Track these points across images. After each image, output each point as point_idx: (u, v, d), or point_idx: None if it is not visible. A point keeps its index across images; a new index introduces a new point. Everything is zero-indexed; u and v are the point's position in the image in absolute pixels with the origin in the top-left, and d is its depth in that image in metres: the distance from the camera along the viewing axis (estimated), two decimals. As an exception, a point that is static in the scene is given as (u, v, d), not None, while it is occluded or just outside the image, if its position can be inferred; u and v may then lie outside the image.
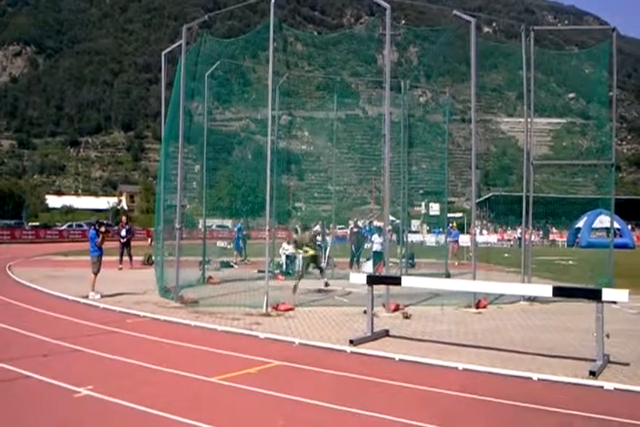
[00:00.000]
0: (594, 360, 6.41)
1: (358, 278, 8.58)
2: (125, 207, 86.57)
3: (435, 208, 23.04)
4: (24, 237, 42.39)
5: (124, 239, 19.23)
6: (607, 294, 6.39)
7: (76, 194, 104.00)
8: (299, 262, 18.18)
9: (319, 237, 15.70)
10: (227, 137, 22.98)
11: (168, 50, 14.17)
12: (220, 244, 22.50)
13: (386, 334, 8.24)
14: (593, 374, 6.03)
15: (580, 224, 42.23)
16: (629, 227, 47.60)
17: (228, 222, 37.13)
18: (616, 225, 28.14)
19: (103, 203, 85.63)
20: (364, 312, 8.46)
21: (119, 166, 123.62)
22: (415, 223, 32.61)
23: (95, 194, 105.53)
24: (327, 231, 19.07)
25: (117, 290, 12.63)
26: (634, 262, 22.54)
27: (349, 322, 9.31)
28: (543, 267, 18.01)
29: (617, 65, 14.93)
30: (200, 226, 17.08)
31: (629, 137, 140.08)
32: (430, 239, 36.89)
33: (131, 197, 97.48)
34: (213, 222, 35.83)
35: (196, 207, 19.23)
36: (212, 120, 16.94)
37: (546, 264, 20.17)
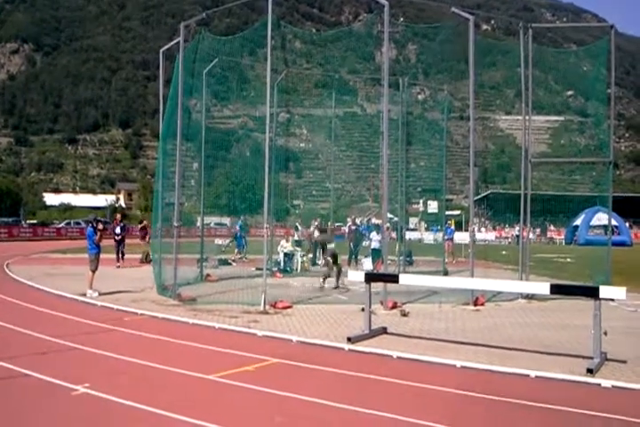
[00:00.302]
0: (591, 358, 6.42)
1: (356, 276, 8.59)
2: (123, 205, 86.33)
3: (433, 206, 23.04)
4: (22, 234, 42.39)
5: (119, 237, 19.33)
6: (605, 291, 6.40)
7: (74, 192, 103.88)
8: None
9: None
10: (225, 134, 22.97)
11: (166, 47, 14.15)
12: (218, 241, 22.49)
13: (384, 331, 8.25)
14: (590, 371, 6.04)
15: (578, 222, 42.25)
16: (627, 224, 47.67)
17: (227, 220, 37.13)
18: (614, 223, 28.23)
19: (101, 201, 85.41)
20: (362, 310, 8.47)
21: (117, 164, 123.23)
22: (413, 221, 32.64)
23: (93, 192, 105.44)
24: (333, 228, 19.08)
25: (115, 288, 12.63)
26: (631, 260, 22.57)
27: (347, 320, 9.32)
28: (541, 264, 18.01)
29: (615, 62, 14.95)
30: (198, 224, 17.06)
31: (627, 135, 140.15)
32: (428, 237, 37.02)
33: (129, 195, 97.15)
34: (211, 220, 35.84)
35: (194, 205, 19.23)
36: (210, 118, 16.91)
37: (544, 262, 20.18)
